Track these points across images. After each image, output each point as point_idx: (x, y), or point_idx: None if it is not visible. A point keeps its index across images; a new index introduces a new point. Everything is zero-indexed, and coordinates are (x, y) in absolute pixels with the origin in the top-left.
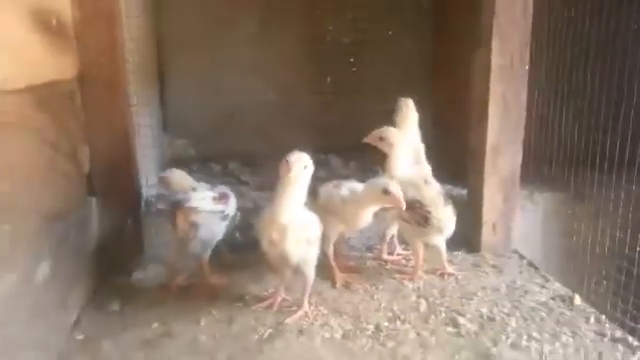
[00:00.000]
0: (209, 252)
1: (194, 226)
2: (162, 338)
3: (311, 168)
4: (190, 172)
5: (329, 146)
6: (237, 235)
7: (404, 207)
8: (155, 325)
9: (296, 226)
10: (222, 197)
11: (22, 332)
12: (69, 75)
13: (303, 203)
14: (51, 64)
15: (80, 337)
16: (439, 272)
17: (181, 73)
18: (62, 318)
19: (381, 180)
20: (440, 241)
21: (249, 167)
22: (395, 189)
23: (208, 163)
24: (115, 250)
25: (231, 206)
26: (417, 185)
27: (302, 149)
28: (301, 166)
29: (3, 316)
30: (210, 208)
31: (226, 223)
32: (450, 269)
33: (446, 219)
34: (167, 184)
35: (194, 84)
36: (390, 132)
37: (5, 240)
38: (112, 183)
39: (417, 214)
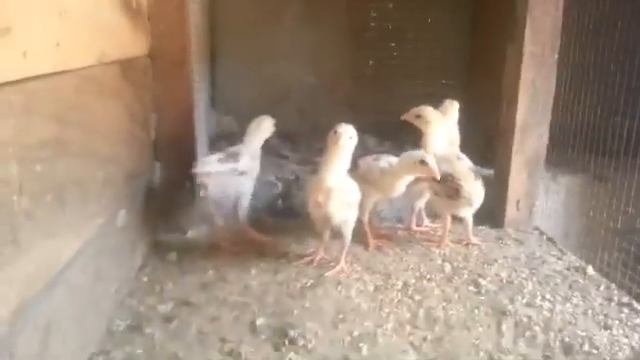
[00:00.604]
0: (243, 211)
1: (202, 187)
2: (218, 282)
3: (355, 139)
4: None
5: (365, 126)
6: (279, 203)
7: (438, 177)
8: (210, 272)
9: (340, 190)
10: (229, 156)
11: (107, 267)
12: (144, 52)
13: (346, 171)
14: (131, 41)
15: (145, 279)
16: (464, 242)
17: (230, 55)
18: (132, 262)
19: (417, 152)
20: (468, 213)
21: (290, 143)
22: (431, 160)
23: None
24: (173, 210)
25: (244, 163)
26: (450, 160)
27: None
28: (347, 136)
29: (95, 250)
30: (215, 169)
31: (244, 180)
32: (475, 240)
33: (475, 193)
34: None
35: (241, 66)
36: (427, 110)
37: (99, 185)
38: (174, 151)
39: (449, 187)
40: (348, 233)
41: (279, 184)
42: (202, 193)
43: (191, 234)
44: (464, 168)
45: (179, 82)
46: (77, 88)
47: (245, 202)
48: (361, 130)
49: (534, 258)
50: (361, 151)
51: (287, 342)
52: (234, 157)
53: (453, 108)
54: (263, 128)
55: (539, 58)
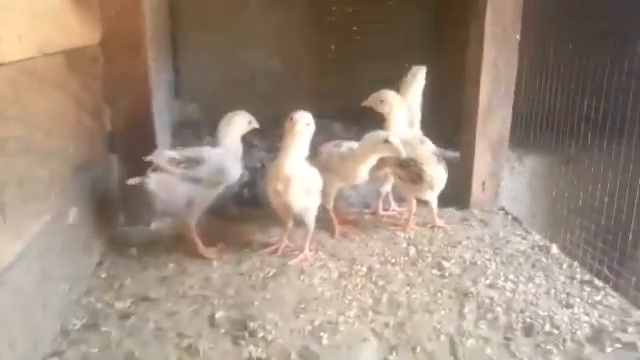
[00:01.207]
0: (192, 218)
1: (146, 181)
2: (178, 276)
3: (313, 126)
4: (199, 135)
5: (331, 112)
6: (244, 191)
7: (404, 154)
8: (171, 265)
9: (298, 178)
10: (189, 161)
11: (55, 265)
12: (94, 40)
13: (305, 158)
14: (79, 30)
15: (104, 275)
16: (429, 225)
17: (193, 42)
18: (87, 259)
19: (380, 132)
20: (432, 197)
21: (257, 131)
22: (394, 139)
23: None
24: (134, 203)
25: (204, 171)
26: (413, 144)
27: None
28: (304, 123)
29: (40, 249)
30: (163, 165)
31: (201, 188)
32: (440, 222)
33: (438, 177)
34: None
35: (205, 53)
36: (389, 95)
37: (43, 184)
38: (131, 142)
39: (411, 172)
40: (310, 221)
41: (245, 172)
42: (145, 186)
43: (155, 226)
44: (427, 152)
45: (134, 68)
46: (14, 81)
47: (197, 210)
48: (327, 116)
49: (498, 239)
50: (327, 137)
51: (247, 335)
52: (194, 162)
53: (421, 74)
54: (234, 125)
55: (501, 38)
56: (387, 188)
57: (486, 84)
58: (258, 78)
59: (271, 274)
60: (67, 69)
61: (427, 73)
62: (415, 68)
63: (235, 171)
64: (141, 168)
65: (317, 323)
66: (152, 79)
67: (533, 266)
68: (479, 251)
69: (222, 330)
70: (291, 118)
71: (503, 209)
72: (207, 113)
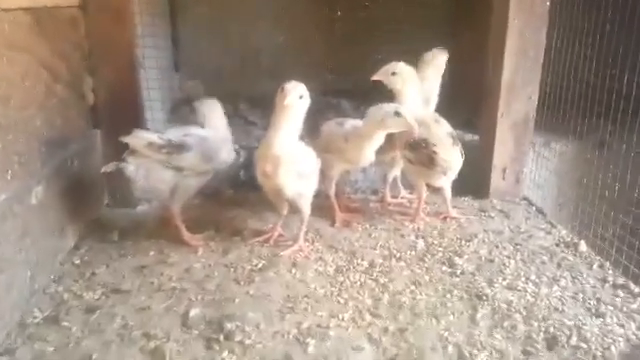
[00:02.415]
0: (176, 206)
1: (123, 166)
2: (157, 265)
3: (307, 99)
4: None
5: (340, 89)
6: (241, 173)
7: (417, 131)
8: (152, 253)
9: (290, 158)
10: (165, 147)
11: (13, 251)
12: (71, 2)
13: (298, 135)
14: None
15: (77, 262)
16: (442, 216)
17: (194, 14)
18: (58, 243)
19: (389, 104)
20: (445, 183)
21: (260, 109)
22: (405, 111)
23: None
24: (119, 183)
25: (188, 159)
26: (426, 123)
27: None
28: (297, 95)
29: None
30: (140, 150)
31: (185, 176)
32: (454, 213)
33: (452, 160)
34: (197, 113)
35: (207, 25)
36: (401, 67)
37: None
38: (116, 116)
39: (422, 154)
40: (305, 207)
41: (242, 152)
42: (122, 172)
43: (141, 209)
44: (441, 132)
45: (117, 36)
46: None
47: (182, 196)
48: (335, 93)
49: (520, 232)
50: (334, 117)
51: (222, 337)
52: (177, 149)
53: (441, 58)
54: (217, 107)
55: (528, 4)
56: (394, 172)
57: (511, 57)
58: (263, 53)
59: (259, 266)
60: (33, 30)
61: (446, 45)
62: (437, 50)
63: (225, 154)
64: (126, 147)
65: (305, 326)
66: (138, 47)
67: (558, 266)
68: (497, 246)
69: (195, 331)
70: (282, 89)
71: (526, 199)
72: (209, 89)
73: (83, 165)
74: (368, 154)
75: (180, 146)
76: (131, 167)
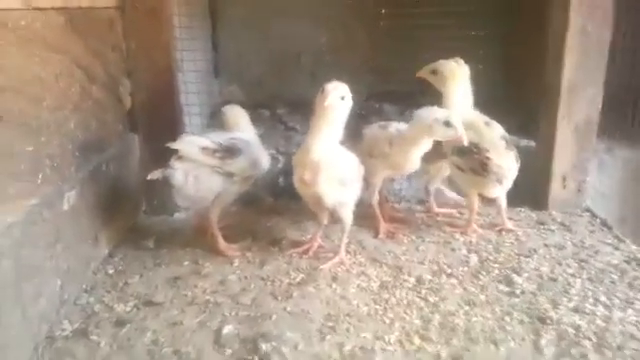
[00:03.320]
0: (215, 212)
1: (169, 173)
2: (192, 276)
3: (349, 100)
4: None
5: (384, 92)
6: (280, 180)
7: (465, 141)
8: (186, 263)
9: (330, 164)
10: (219, 151)
11: (42, 258)
12: (108, 2)
13: (339, 140)
14: None
15: (111, 271)
16: (497, 228)
17: (234, 17)
18: (91, 251)
19: (437, 109)
20: (499, 192)
21: (300, 114)
22: (455, 119)
23: (258, 109)
24: (157, 189)
25: (239, 164)
26: (476, 127)
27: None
28: (338, 95)
29: (20, 238)
30: (194, 156)
31: (231, 182)
32: (510, 225)
33: (507, 167)
34: (223, 119)
35: (247, 28)
36: (445, 65)
37: (26, 162)
38: (154, 120)
39: (474, 160)
40: (347, 217)
41: (281, 158)
42: (168, 179)
43: (178, 217)
44: (494, 136)
45: (154, 37)
46: None
47: (222, 203)
48: (380, 97)
49: (584, 248)
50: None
51: (256, 359)
52: (230, 153)
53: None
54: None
55: (591, 0)
56: (437, 182)
57: (572, 55)
58: (304, 55)
59: (297, 280)
60: (68, 30)
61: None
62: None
63: (265, 161)
64: (165, 152)
65: (347, 348)
66: (177, 50)
67: (630, 286)
68: (560, 263)
69: (228, 350)
70: (322, 90)
71: (589, 210)
72: (248, 94)
73: (119, 170)
74: (414, 160)
75: (232, 150)
76: (179, 174)
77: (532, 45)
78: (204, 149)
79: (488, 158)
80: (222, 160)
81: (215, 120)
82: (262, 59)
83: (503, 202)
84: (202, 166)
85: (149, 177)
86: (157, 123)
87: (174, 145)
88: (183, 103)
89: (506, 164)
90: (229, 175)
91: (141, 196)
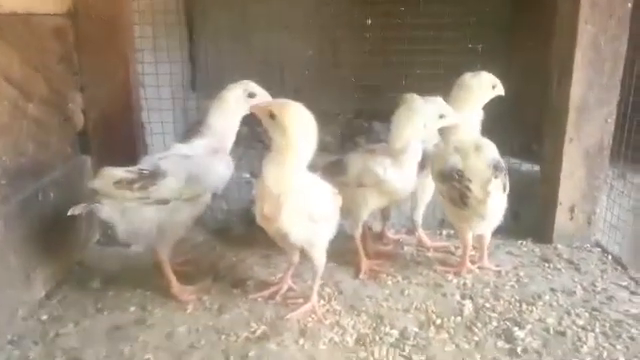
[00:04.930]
0: (164, 248)
1: (89, 206)
2: (135, 326)
3: (312, 123)
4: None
5: (373, 110)
6: (252, 208)
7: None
8: (132, 309)
9: (294, 197)
10: (137, 180)
11: None
12: (55, 9)
13: (304, 167)
14: None
15: (44, 317)
16: (475, 265)
17: (212, 27)
18: (21, 294)
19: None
20: (483, 229)
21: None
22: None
23: None
24: None
25: (167, 186)
26: (464, 150)
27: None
28: (299, 118)
29: None
30: (110, 192)
31: (170, 210)
32: (488, 264)
33: (491, 202)
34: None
35: (228, 41)
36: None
37: None
38: (110, 140)
39: (453, 189)
40: (319, 258)
41: (255, 182)
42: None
43: (135, 248)
44: (479, 163)
45: (111, 47)
46: None
47: (171, 237)
48: (368, 115)
49: (596, 292)
50: (368, 140)
51: None
52: (150, 178)
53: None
54: (227, 101)
55: (604, 7)
56: (421, 211)
57: (582, 71)
58: (287, 68)
59: (258, 333)
60: None
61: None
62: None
63: (221, 172)
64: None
65: None
66: (135, 64)
67: None
68: (568, 313)
69: None
70: (277, 109)
71: (599, 245)
72: None
73: (64, 197)
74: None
75: (153, 174)
76: (105, 210)
77: (535, 58)
78: (117, 183)
79: (468, 189)
80: (143, 190)
81: (188, 138)
82: (243, 72)
83: (487, 239)
84: (129, 200)
85: (70, 213)
86: (113, 143)
87: (90, 184)
88: (145, 121)
89: (490, 198)
90: (163, 202)
91: (94, 225)
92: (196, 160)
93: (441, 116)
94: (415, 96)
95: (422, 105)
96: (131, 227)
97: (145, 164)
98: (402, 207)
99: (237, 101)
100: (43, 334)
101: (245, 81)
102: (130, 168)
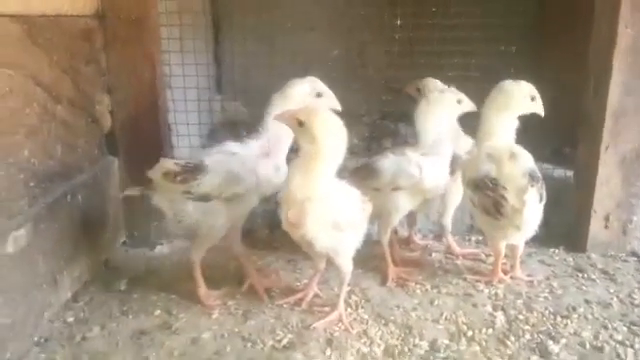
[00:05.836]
0: (198, 250)
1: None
2: (160, 331)
3: (342, 129)
4: (238, 135)
5: (399, 112)
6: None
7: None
8: (157, 312)
9: (319, 204)
10: (181, 173)
11: None
12: (84, 10)
13: (332, 173)
14: None
15: (71, 319)
16: (508, 275)
17: (238, 28)
18: (48, 296)
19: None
20: (517, 240)
21: None
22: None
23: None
24: (137, 218)
25: (208, 182)
26: (498, 158)
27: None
28: (325, 124)
29: None
30: (158, 182)
31: (211, 207)
32: (520, 274)
33: (526, 212)
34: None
35: (254, 42)
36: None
37: None
38: (137, 142)
39: (487, 197)
40: (345, 266)
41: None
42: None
43: (160, 250)
44: (515, 171)
45: (138, 49)
46: None
47: (207, 240)
48: (395, 117)
49: (634, 305)
50: (395, 143)
51: None
52: (193, 172)
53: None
54: (290, 98)
55: None
56: (450, 212)
57: (620, 76)
58: (314, 70)
59: (284, 342)
60: (24, 41)
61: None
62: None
63: (265, 174)
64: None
65: None
66: (161, 65)
67: None
68: (605, 327)
69: None
70: (305, 116)
71: (635, 255)
72: (254, 112)
73: (92, 199)
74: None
75: (196, 168)
76: (157, 197)
77: (569, 61)
78: (165, 174)
79: (504, 197)
80: (185, 183)
81: (213, 140)
82: (269, 74)
83: (520, 249)
84: (176, 192)
85: (125, 192)
86: (140, 145)
87: (149, 173)
88: (171, 122)
89: (526, 208)
90: (204, 199)
91: (120, 226)
92: (240, 159)
93: (459, 101)
94: (433, 80)
95: (439, 94)
96: (176, 219)
97: (194, 158)
98: (428, 212)
99: (303, 100)
100: (69, 337)
101: (312, 78)
102: (179, 161)
